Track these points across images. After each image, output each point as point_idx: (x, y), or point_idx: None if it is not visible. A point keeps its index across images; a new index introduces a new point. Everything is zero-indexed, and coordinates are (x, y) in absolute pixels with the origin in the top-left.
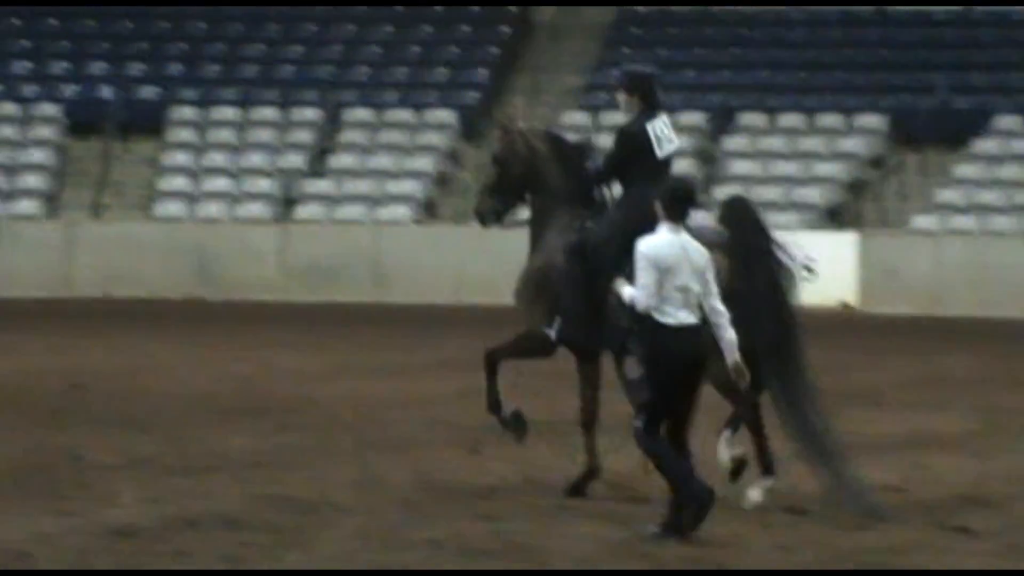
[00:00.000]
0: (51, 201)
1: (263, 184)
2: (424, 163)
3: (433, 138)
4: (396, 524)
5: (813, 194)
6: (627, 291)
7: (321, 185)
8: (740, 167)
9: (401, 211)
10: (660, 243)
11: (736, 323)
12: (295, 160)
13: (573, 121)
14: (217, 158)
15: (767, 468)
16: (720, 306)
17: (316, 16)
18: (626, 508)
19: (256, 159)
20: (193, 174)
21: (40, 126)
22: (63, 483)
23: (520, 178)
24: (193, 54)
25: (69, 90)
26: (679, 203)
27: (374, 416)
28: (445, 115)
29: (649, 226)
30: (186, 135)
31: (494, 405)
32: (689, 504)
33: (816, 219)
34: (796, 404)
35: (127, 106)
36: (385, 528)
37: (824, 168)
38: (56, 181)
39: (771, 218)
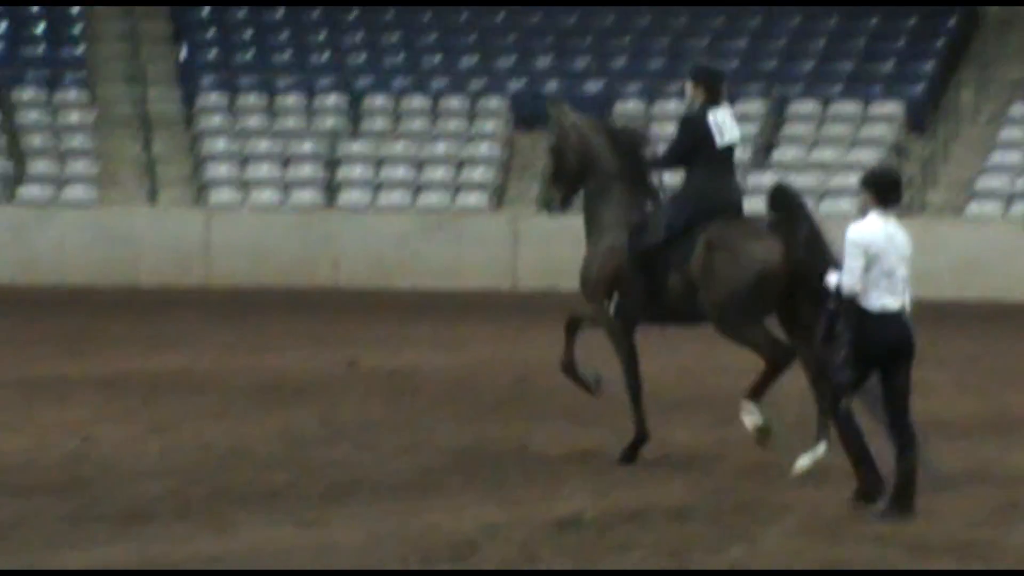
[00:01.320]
0: (497, 194)
1: None
2: (869, 156)
3: (879, 131)
4: (840, 519)
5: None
6: (833, 277)
7: (765, 179)
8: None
9: (844, 205)
10: (869, 229)
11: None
12: (741, 154)
13: (1021, 113)
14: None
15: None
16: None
17: (760, 10)
18: None
19: None
20: None
21: (486, 120)
22: (509, 474)
23: (575, 167)
24: (639, 48)
25: (515, 84)
26: (889, 190)
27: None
28: (891, 107)
29: (705, 211)
30: None
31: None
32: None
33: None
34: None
35: (572, 100)
36: (829, 523)
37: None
38: (502, 174)
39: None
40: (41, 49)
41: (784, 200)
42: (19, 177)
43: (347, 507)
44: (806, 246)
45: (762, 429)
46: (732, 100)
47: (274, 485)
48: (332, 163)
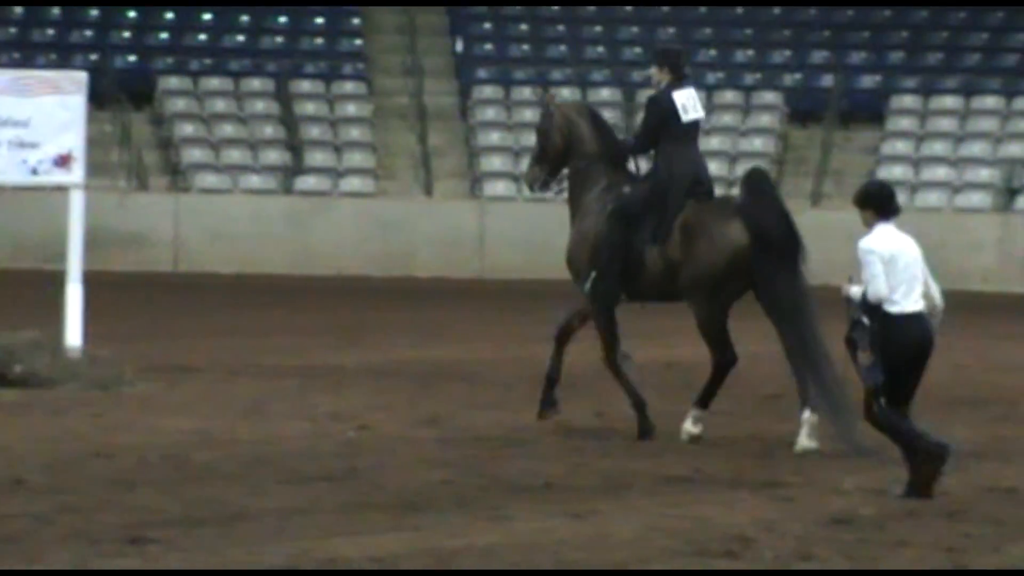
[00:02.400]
0: None
1: (984, 174)
2: None
3: None
4: None
5: None
6: (855, 288)
7: None
8: None
9: None
10: (881, 237)
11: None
12: (1016, 150)
13: None
14: (937, 147)
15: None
16: (933, 284)
17: None
18: None
19: (977, 148)
20: (913, 163)
21: (761, 114)
22: (782, 469)
23: (560, 148)
24: (914, 43)
25: (790, 78)
26: (886, 203)
27: None
28: None
29: (678, 188)
30: (907, 124)
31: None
32: (927, 462)
33: None
34: (811, 358)
35: (847, 95)
36: None
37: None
38: (776, 169)
39: None
40: (320, 42)
41: (758, 183)
42: (297, 168)
43: (620, 499)
44: (778, 226)
45: (695, 440)
46: (1007, 95)
47: (548, 476)
48: None
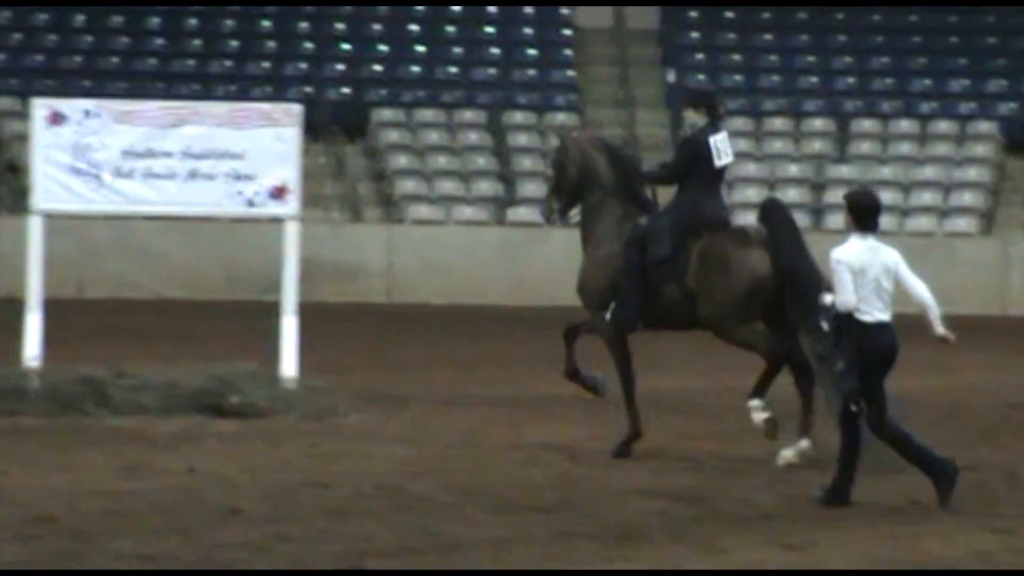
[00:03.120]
0: (987, 218)
1: None
2: None
3: None
4: None
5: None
6: (828, 297)
7: None
8: None
9: None
10: (852, 249)
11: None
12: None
13: None
14: None
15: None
16: (917, 281)
17: None
18: None
19: None
20: None
21: (976, 144)
22: (1000, 502)
23: (575, 180)
24: None
25: (1005, 108)
26: (864, 215)
27: None
28: None
29: (699, 225)
30: None
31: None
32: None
33: None
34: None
35: None
36: None
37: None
38: (991, 199)
39: None
40: (532, 73)
41: (773, 212)
42: (510, 199)
43: (836, 531)
44: (790, 255)
45: (769, 421)
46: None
47: (763, 507)
48: (818, 187)
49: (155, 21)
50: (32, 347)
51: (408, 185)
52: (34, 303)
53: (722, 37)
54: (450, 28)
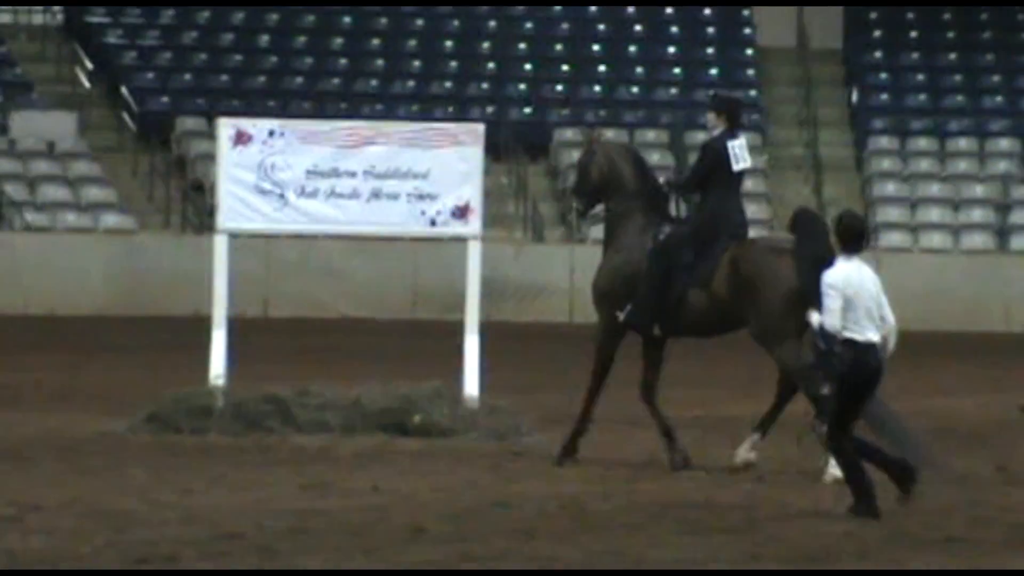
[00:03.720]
0: None
1: None
2: None
3: None
4: None
5: None
6: (815, 317)
7: None
8: None
9: None
10: (842, 272)
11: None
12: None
13: None
14: None
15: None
16: (890, 315)
17: None
18: None
19: None
20: None
21: None
22: None
23: (596, 182)
24: None
25: None
26: (848, 238)
27: None
28: None
29: (720, 230)
30: None
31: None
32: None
33: None
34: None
35: None
36: None
37: None
38: None
39: None
40: (713, 93)
41: (807, 223)
42: None
43: None
44: (812, 269)
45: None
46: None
47: (950, 530)
48: (1004, 208)
49: (338, 42)
50: (217, 366)
51: None
52: (219, 322)
53: (906, 56)
54: (631, 48)
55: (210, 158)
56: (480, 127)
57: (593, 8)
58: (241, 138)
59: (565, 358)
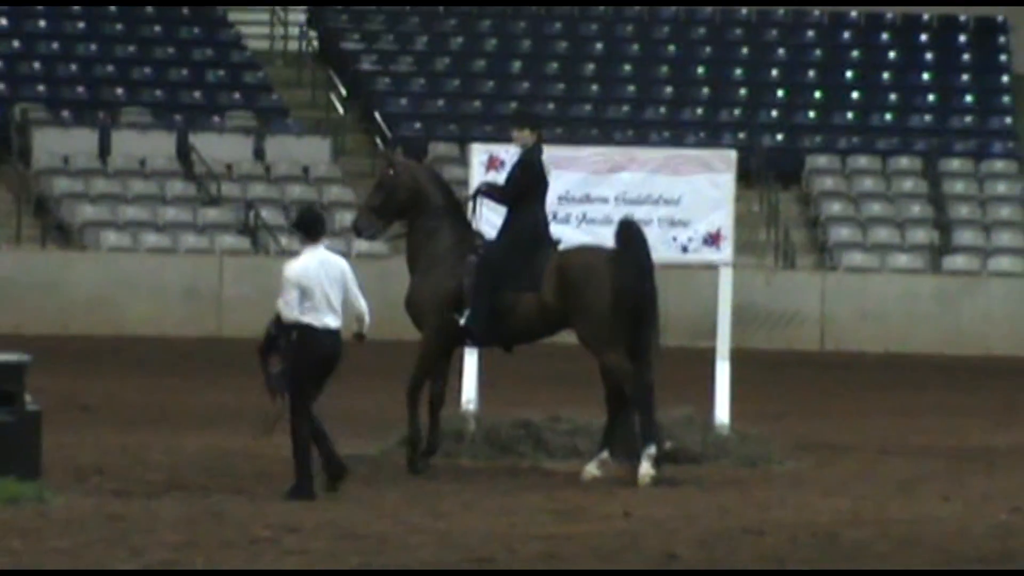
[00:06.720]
0: None
1: None
2: None
3: None
4: None
5: None
6: (279, 303)
7: None
8: None
9: None
10: (301, 264)
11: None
12: None
13: None
14: None
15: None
16: (361, 298)
17: None
18: None
19: None
20: None
21: None
22: None
23: (404, 202)
24: None
25: None
26: (311, 227)
27: None
28: None
29: (537, 240)
30: None
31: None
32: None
33: None
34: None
35: None
36: None
37: None
38: None
39: None
40: (969, 120)
41: (629, 234)
42: (945, 247)
43: None
44: (646, 276)
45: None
46: None
47: None
48: None
49: (590, 68)
50: (469, 391)
51: (842, 232)
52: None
53: None
54: (885, 75)
55: (464, 184)
56: (732, 153)
57: (846, 34)
58: (493, 163)
59: (816, 386)
